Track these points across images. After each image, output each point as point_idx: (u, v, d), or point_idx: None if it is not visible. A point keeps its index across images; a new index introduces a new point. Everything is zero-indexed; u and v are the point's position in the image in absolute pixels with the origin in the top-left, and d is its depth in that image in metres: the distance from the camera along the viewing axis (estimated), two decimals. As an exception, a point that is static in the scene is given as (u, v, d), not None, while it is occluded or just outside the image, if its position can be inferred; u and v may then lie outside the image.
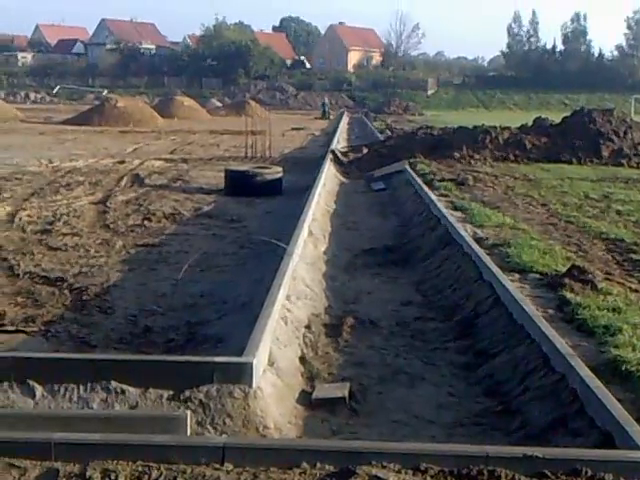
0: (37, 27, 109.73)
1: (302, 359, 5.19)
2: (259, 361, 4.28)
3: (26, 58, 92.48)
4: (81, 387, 4.05)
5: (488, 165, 16.75)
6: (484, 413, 4.55)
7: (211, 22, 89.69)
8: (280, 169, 14.77)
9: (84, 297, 6.82)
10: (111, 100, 40.51)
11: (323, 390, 4.61)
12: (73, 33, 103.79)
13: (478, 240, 8.22)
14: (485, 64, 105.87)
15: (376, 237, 10.09)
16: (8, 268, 7.80)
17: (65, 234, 9.68)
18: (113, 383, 4.05)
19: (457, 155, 17.40)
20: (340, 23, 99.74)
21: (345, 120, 41.18)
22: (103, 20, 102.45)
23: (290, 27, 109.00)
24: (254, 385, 4.11)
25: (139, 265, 8.21)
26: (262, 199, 13.10)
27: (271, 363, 4.65)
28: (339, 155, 19.50)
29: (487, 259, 7.05)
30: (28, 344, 5.53)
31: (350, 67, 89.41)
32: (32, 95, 73.20)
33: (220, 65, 79.31)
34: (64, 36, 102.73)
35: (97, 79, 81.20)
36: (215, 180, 15.23)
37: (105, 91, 69.09)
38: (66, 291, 7.00)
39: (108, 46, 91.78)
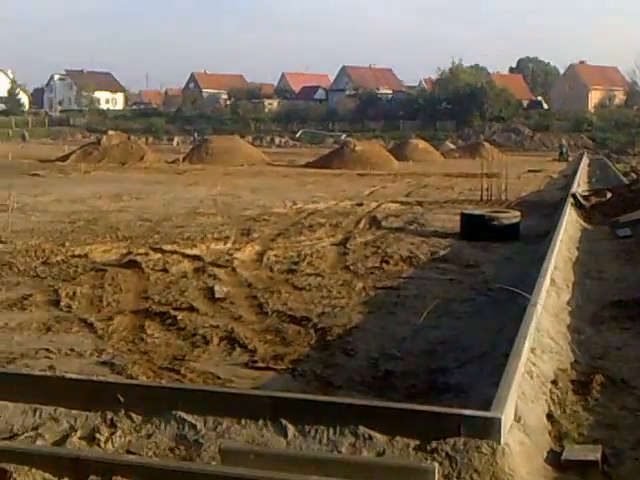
0: (283, 75, 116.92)
1: (549, 416, 4.97)
2: (507, 417, 4.17)
3: (272, 105, 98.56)
4: (331, 430, 4.16)
5: None
6: None
7: (447, 65, 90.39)
8: (518, 213, 14.42)
9: (328, 337, 7.04)
10: (350, 144, 41.95)
11: (574, 451, 4.38)
12: (315, 80, 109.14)
13: None
14: None
15: (624, 288, 9.50)
16: (258, 306, 8.25)
17: (309, 274, 10.07)
18: (361, 428, 4.12)
19: None
20: (581, 62, 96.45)
21: (585, 162, 39.51)
22: (344, 67, 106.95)
23: (527, 67, 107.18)
24: (502, 441, 4.00)
25: (378, 308, 8.34)
26: (499, 244, 12.85)
27: (518, 419, 4.51)
28: (580, 199, 18.70)
29: None
30: (277, 382, 5.79)
31: (590, 107, 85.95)
32: (277, 139, 77.72)
33: (455, 107, 79.55)
34: (307, 83, 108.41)
35: (337, 123, 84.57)
36: (450, 223, 15.20)
37: (344, 135, 71.68)
38: (311, 331, 7.26)
39: (347, 92, 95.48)
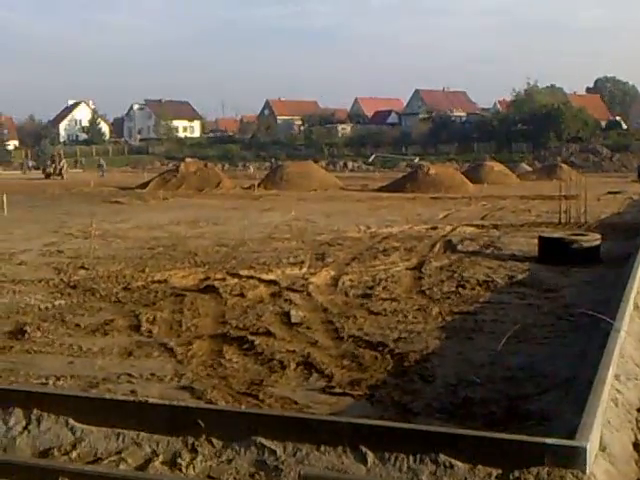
0: (356, 100, 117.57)
1: (636, 445, 4.82)
2: (592, 445, 4.05)
3: (345, 129, 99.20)
4: (411, 457, 4.12)
5: None
6: None
7: (522, 86, 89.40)
8: (598, 236, 14.08)
9: (405, 363, 6.99)
10: (423, 167, 41.82)
11: (662, 483, 4.23)
12: (388, 104, 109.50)
13: None
14: None
15: None
16: (334, 331, 8.25)
17: (384, 299, 10.03)
18: (442, 456, 4.07)
19: None
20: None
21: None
22: (417, 91, 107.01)
23: (605, 87, 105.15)
24: (587, 471, 3.89)
25: (456, 333, 8.24)
26: (578, 267, 12.55)
27: (603, 448, 4.38)
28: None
29: None
30: (354, 408, 5.77)
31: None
32: (350, 164, 78.13)
33: (530, 129, 78.56)
34: (380, 107, 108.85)
35: (409, 147, 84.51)
36: (528, 247, 14.94)
37: (417, 158, 71.59)
38: (387, 356, 7.22)
39: (421, 115, 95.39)
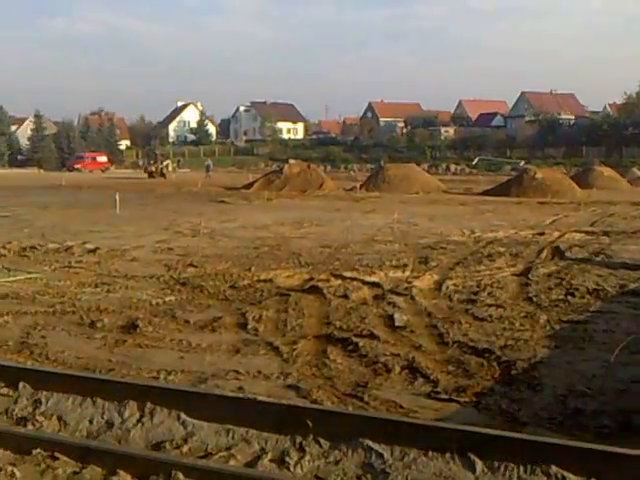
0: (460, 103, 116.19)
1: None
2: None
3: (448, 132, 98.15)
4: (521, 467, 4.04)
5: None
6: None
7: (635, 90, 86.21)
8: None
9: (512, 371, 6.86)
10: (529, 171, 40.90)
11: None
12: (493, 107, 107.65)
13: None
14: None
15: None
16: (438, 335, 8.18)
17: (489, 305, 9.87)
18: (554, 468, 3.97)
19: None
20: None
21: None
22: (523, 93, 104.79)
23: None
24: None
25: (565, 342, 8.02)
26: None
27: None
28: None
29: None
30: (460, 414, 5.70)
31: None
32: (452, 167, 77.23)
33: (643, 133, 75.57)
34: (484, 110, 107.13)
35: (514, 150, 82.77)
36: (640, 255, 14.42)
37: (522, 162, 70.07)
38: (494, 363, 7.10)
39: (527, 118, 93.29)
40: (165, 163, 62.01)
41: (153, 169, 59.96)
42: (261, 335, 8.17)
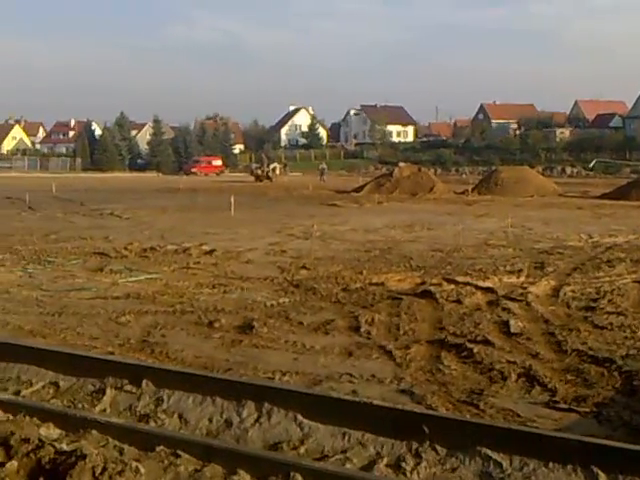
0: (576, 103, 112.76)
1: None
2: None
3: (564, 133, 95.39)
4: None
5: None
6: None
7: None
8: None
9: (634, 382, 6.60)
10: (651, 173, 39.26)
11: None
12: (611, 107, 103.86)
13: None
14: None
15: None
16: (556, 343, 7.97)
17: (609, 312, 9.53)
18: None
19: None
20: None
21: None
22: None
23: None
24: None
25: (692, 354, 7.66)
26: None
27: None
28: None
29: None
30: (580, 425, 5.53)
31: None
32: (568, 169, 75.03)
33: None
34: (602, 110, 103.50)
35: (634, 152, 79.61)
36: None
37: (642, 164, 67.35)
38: (615, 373, 6.86)
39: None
40: (272, 166, 62.72)
41: (259, 172, 60.82)
42: (374, 338, 8.18)
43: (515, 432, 4.47)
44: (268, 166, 62.07)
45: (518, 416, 5.67)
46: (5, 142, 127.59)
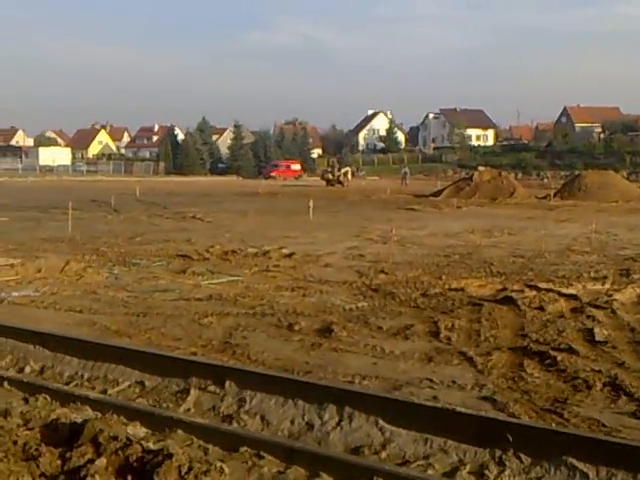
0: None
1: None
2: None
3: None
4: None
5: None
6: None
7: None
8: None
9: None
10: None
11: None
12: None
13: None
14: None
15: None
16: None
17: None
18: None
19: None
20: None
21: None
22: None
23: None
24: None
25: None
26: None
27: None
28: None
29: None
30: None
31: None
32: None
33: None
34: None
35: None
36: None
37: None
38: None
39: None
40: (343, 170, 62.36)
41: (330, 177, 60.60)
42: (454, 344, 8.10)
43: (601, 442, 4.37)
44: (339, 170, 61.82)
45: (604, 426, 5.53)
46: (91, 147, 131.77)
